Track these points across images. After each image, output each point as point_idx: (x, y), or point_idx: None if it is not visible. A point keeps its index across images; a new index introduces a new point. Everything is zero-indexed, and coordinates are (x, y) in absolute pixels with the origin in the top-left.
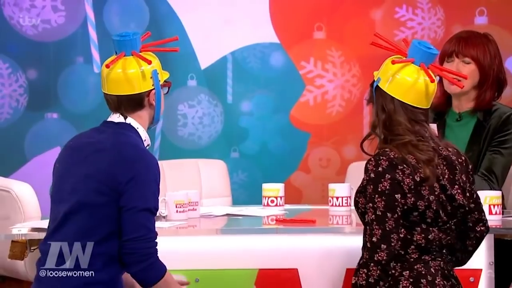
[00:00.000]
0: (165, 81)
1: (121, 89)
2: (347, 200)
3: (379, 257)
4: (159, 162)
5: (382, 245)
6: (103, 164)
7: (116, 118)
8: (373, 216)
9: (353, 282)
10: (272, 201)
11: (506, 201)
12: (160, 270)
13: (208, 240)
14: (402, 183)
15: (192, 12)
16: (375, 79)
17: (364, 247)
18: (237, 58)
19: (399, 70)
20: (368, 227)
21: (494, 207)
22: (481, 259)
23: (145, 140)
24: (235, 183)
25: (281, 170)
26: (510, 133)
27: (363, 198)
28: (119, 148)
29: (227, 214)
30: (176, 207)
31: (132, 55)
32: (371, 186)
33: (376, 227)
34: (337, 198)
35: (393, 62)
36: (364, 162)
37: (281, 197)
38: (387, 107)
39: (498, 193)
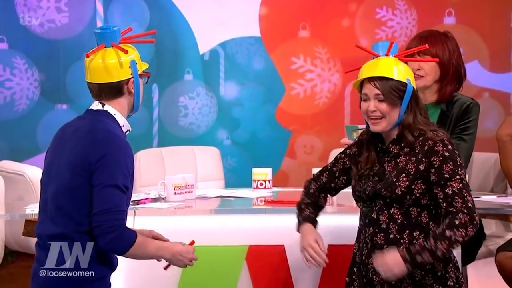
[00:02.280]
0: (144, 71)
1: (101, 77)
2: None
3: (476, 222)
4: (159, 149)
5: (475, 210)
6: (78, 148)
7: (95, 105)
8: (460, 185)
9: (448, 236)
10: (261, 184)
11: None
12: (129, 238)
13: (203, 219)
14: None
15: (190, 9)
16: (405, 81)
17: (454, 212)
18: (229, 53)
19: (406, 66)
20: (456, 197)
21: None
22: None
23: (123, 126)
24: (225, 167)
25: (269, 156)
26: (470, 121)
27: (423, 183)
28: (93, 132)
29: (220, 196)
30: (174, 189)
31: (112, 46)
32: (451, 163)
33: (466, 194)
34: None
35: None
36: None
37: (269, 181)
38: (419, 100)
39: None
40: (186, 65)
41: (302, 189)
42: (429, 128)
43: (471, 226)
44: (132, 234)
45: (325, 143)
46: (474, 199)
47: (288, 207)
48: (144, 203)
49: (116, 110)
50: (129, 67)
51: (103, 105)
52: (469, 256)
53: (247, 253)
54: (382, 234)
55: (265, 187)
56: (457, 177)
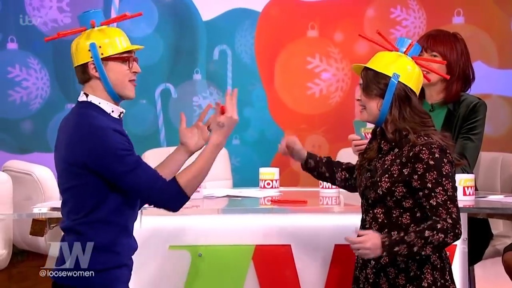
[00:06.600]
0: (125, 52)
1: (73, 62)
2: None
3: (458, 231)
4: (167, 148)
5: (459, 221)
6: (68, 147)
7: (81, 96)
8: (445, 197)
9: (426, 235)
10: (268, 184)
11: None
12: (176, 190)
13: (210, 218)
14: (453, 164)
15: (200, 8)
16: (390, 75)
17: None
18: (236, 53)
19: (409, 63)
20: (440, 208)
21: (467, 188)
22: None
23: (112, 112)
24: (232, 167)
25: (278, 156)
26: (477, 120)
27: (404, 187)
28: (79, 131)
29: (228, 196)
30: None
31: (86, 30)
32: (434, 172)
33: (451, 205)
34: None
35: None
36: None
37: (276, 180)
38: (412, 100)
39: (471, 176)
40: (195, 65)
41: (308, 189)
42: (421, 130)
43: (452, 234)
44: (173, 184)
45: (334, 142)
46: (481, 199)
47: (294, 207)
48: None
49: (95, 96)
50: (88, 50)
51: (87, 95)
52: (476, 255)
53: (253, 252)
54: None
55: (272, 187)
56: (440, 188)
